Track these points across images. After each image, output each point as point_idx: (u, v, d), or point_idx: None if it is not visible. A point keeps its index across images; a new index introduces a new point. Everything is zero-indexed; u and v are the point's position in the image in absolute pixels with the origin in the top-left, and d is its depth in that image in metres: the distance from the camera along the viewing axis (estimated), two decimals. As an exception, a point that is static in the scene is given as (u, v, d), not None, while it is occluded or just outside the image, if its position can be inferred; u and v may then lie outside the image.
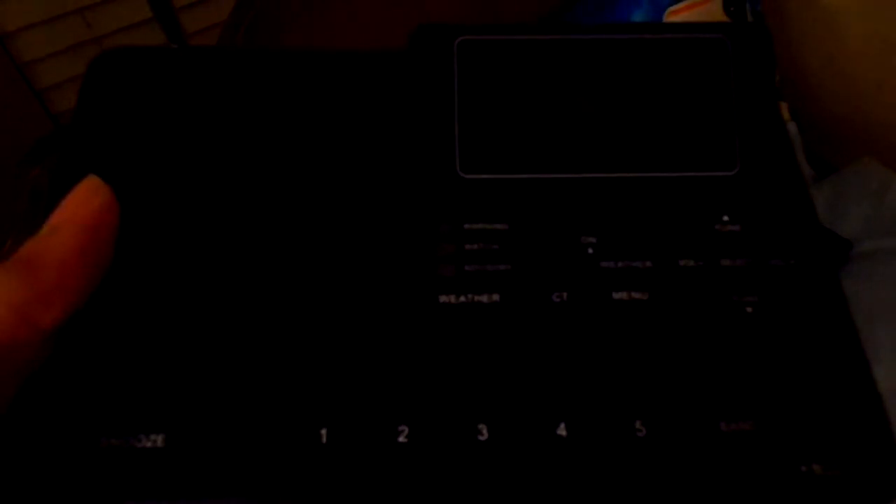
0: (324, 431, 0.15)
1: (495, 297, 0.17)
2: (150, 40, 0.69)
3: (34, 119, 0.70)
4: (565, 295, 0.17)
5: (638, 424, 0.16)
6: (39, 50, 0.71)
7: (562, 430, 0.16)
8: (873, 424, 0.16)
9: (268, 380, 0.16)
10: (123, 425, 0.15)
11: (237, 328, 0.16)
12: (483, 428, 0.16)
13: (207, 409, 0.15)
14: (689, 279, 0.17)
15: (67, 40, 0.70)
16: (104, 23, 0.72)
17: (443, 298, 0.17)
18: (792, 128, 0.63)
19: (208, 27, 0.75)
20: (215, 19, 0.74)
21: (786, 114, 0.64)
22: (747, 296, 0.17)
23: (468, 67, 0.19)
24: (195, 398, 0.16)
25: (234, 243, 0.17)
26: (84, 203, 0.16)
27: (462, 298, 0.17)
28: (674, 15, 0.54)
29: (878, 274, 0.49)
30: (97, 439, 0.15)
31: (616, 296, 0.17)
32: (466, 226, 0.18)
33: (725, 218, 0.18)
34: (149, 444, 0.15)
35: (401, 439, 0.15)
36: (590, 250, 0.18)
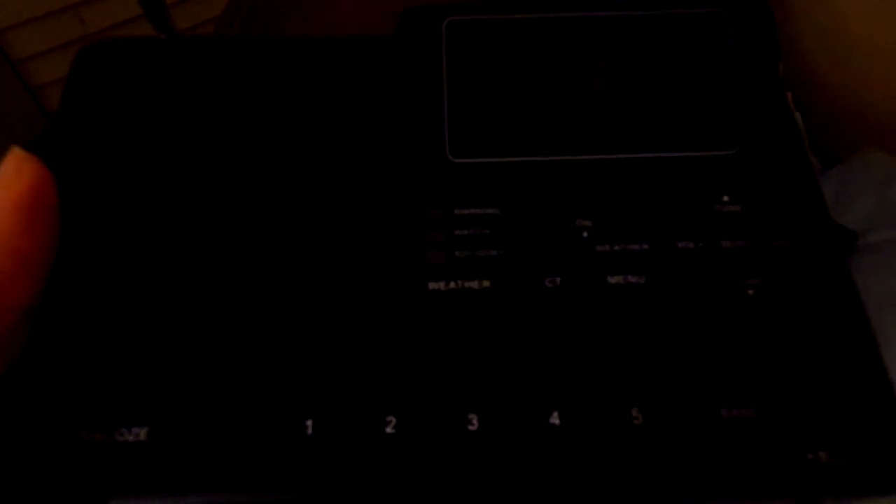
0: (309, 423, 0.15)
1: (486, 283, 0.17)
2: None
3: (28, 117, 0.70)
4: (559, 280, 0.17)
5: (634, 412, 0.15)
6: (33, 47, 0.71)
7: (555, 419, 0.15)
8: (881, 410, 0.15)
9: (252, 370, 0.16)
10: (106, 419, 0.15)
11: (220, 318, 0.16)
12: (473, 418, 0.15)
13: (191, 402, 0.15)
14: (687, 262, 0.17)
15: (61, 37, 0.70)
16: (98, 19, 0.72)
17: (432, 285, 0.17)
18: (796, 118, 0.62)
19: (200, 23, 0.75)
20: (206, 15, 0.73)
21: (790, 104, 0.63)
22: (749, 278, 0.17)
23: (457, 48, 0.19)
24: (178, 391, 0.15)
25: (220, 233, 0.17)
26: (14, 181, 0.16)
27: (452, 285, 0.17)
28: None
29: (885, 265, 0.48)
30: (79, 433, 0.15)
31: (612, 280, 0.17)
32: (457, 211, 0.18)
33: (726, 198, 0.18)
34: (132, 438, 0.15)
35: (388, 430, 0.15)
36: (584, 234, 0.17)
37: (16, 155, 0.16)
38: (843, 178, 0.57)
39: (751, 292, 0.17)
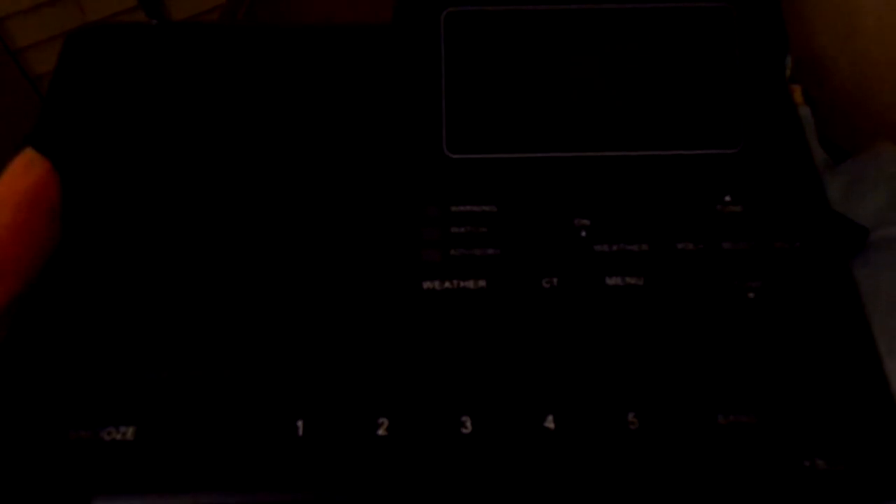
0: (300, 423, 0.15)
1: (482, 282, 0.16)
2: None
3: (28, 106, 0.70)
4: (556, 280, 0.16)
5: (630, 417, 0.15)
6: (32, 36, 0.70)
7: (549, 423, 0.15)
8: (881, 417, 0.15)
9: (242, 369, 0.15)
10: (93, 417, 0.15)
11: (210, 316, 0.16)
12: (467, 420, 0.15)
13: (180, 401, 0.15)
14: (687, 263, 0.17)
15: (61, 26, 0.70)
16: (98, 8, 0.71)
17: (427, 284, 0.16)
18: (806, 111, 0.62)
19: (196, 14, 0.74)
20: (203, 6, 0.73)
21: (800, 97, 0.62)
22: (749, 281, 0.16)
23: (456, 40, 0.18)
24: (167, 390, 0.15)
25: (208, 228, 0.17)
26: (19, 179, 0.16)
27: (447, 284, 0.16)
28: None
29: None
30: (66, 431, 0.15)
31: (610, 281, 0.16)
32: (453, 208, 0.17)
33: (727, 198, 0.17)
34: (119, 437, 0.15)
35: (380, 432, 0.15)
36: (583, 233, 0.17)
37: (26, 155, 0.16)
38: (855, 173, 0.56)
39: (751, 295, 0.16)
